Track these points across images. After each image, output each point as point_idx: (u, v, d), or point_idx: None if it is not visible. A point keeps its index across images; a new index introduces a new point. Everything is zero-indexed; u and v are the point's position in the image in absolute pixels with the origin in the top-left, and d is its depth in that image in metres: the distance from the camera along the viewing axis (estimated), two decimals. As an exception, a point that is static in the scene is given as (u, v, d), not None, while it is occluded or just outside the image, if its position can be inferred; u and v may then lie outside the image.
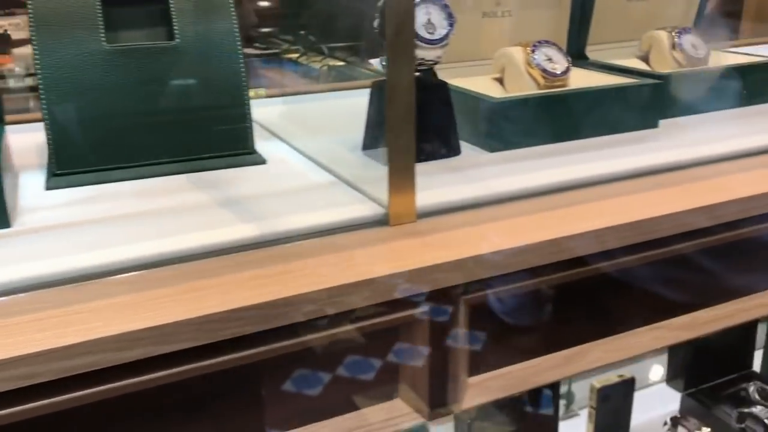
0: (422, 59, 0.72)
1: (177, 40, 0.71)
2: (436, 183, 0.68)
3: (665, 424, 1.36)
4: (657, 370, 1.57)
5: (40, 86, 0.67)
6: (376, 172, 0.68)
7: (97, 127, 0.69)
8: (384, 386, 0.58)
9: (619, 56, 1.02)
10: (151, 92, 0.71)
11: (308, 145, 0.79)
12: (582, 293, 0.65)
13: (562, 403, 1.57)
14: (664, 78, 0.88)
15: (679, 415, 1.34)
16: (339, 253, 0.56)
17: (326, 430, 0.56)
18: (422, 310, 0.56)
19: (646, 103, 0.85)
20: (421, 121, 0.75)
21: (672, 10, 1.06)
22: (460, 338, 0.59)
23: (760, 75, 0.95)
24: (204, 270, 0.53)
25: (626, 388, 1.45)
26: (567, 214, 0.63)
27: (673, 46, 0.96)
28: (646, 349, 0.68)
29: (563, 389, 1.60)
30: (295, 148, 0.80)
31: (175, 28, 0.71)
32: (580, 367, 0.65)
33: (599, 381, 1.46)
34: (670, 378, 1.55)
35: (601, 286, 0.66)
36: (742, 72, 0.94)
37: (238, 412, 0.54)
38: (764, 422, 1.31)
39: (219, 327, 0.48)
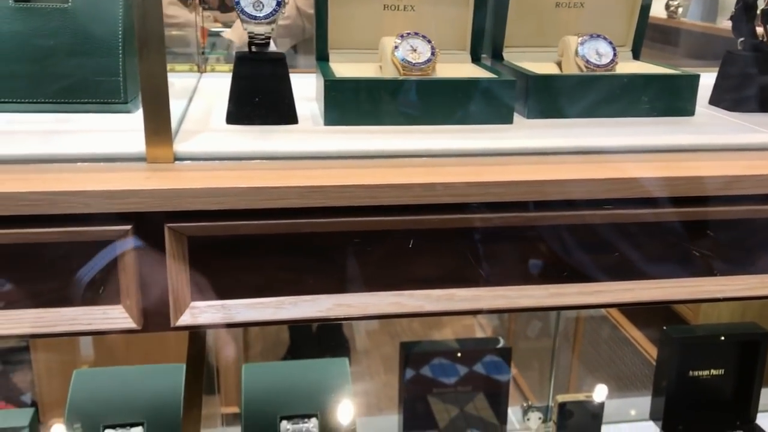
0: (252, 33, 0.82)
1: (69, 4, 0.88)
2: (231, 138, 0.79)
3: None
4: (644, 405, 1.50)
5: (-40, 31, 0.86)
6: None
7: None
8: (107, 291, 0.70)
9: (541, 59, 1.04)
10: (45, 44, 0.87)
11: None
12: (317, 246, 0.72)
13: (537, 415, 1.56)
14: (523, 78, 0.91)
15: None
16: (90, 173, 0.70)
17: (48, 315, 0.69)
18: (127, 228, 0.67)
19: (500, 100, 0.87)
20: (255, 87, 0.85)
21: (609, 20, 1.05)
22: (179, 264, 0.69)
23: (637, 86, 0.92)
24: None
25: (592, 410, 1.42)
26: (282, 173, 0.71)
27: (576, 52, 0.96)
28: (379, 311, 0.72)
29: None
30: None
31: (70, -7, 0.88)
32: (298, 313, 0.72)
33: (563, 397, 1.44)
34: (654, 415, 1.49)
35: (335, 242, 0.72)
36: (615, 82, 0.92)
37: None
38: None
39: None
